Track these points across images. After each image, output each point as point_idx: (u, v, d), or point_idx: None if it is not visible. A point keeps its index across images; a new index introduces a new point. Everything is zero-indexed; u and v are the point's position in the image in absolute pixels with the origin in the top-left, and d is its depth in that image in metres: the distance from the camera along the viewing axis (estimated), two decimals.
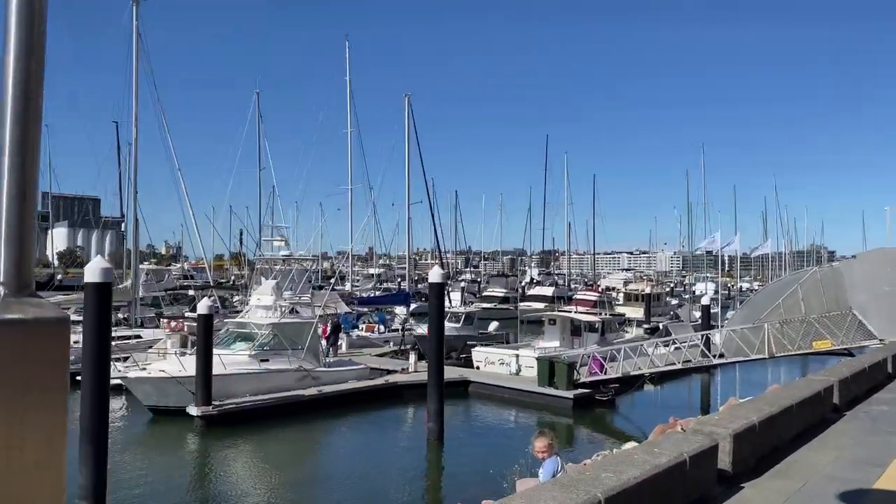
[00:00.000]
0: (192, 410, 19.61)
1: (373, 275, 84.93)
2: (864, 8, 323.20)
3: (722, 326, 24.86)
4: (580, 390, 24.01)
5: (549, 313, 34.10)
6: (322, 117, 60.15)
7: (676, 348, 25.68)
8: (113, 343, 28.01)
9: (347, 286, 53.34)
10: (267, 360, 22.50)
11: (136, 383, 20.61)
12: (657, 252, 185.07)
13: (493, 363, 28.78)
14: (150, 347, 27.27)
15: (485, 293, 69.09)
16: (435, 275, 18.90)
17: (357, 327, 36.77)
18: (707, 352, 21.88)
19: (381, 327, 37.29)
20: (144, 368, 21.06)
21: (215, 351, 22.28)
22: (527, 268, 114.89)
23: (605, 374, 24.24)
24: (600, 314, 36.25)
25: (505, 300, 64.40)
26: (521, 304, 62.61)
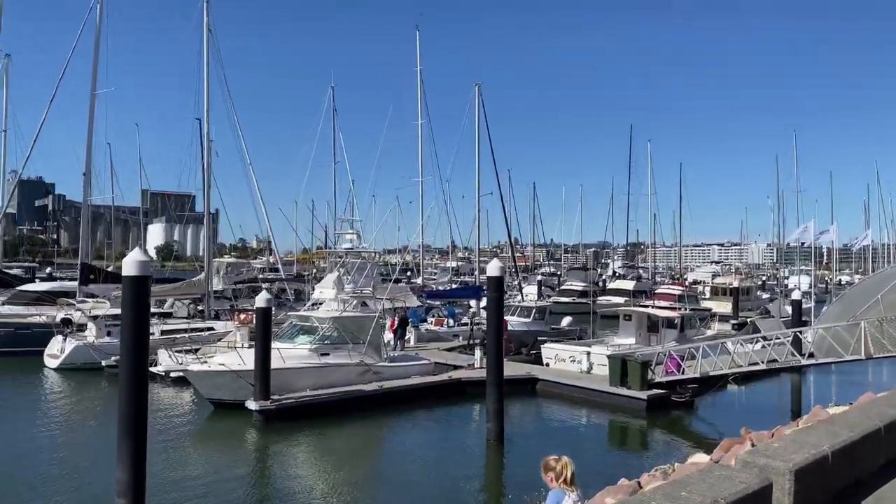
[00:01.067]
0: (251, 405, 19.46)
1: (450, 268, 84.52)
2: None
3: (814, 323, 22.77)
4: (655, 391, 22.57)
5: (623, 308, 32.53)
6: (392, 109, 59.58)
7: (763, 346, 23.79)
8: (185, 335, 28.83)
9: (420, 279, 52.98)
10: (327, 355, 22.18)
11: (197, 376, 20.66)
12: (749, 244, 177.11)
13: (563, 360, 27.61)
14: (220, 340, 27.60)
15: (562, 287, 67.40)
16: (493, 268, 17.97)
17: (426, 321, 36.23)
18: (795, 351, 20.02)
19: (451, 321, 36.60)
20: (205, 361, 21.10)
21: (277, 344, 22.19)
22: (609, 261, 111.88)
23: (683, 373, 22.68)
24: (681, 309, 34.31)
25: (583, 294, 62.48)
26: (601, 298, 60.79)
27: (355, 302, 24.66)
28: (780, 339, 21.47)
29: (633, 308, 32.36)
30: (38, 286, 35.05)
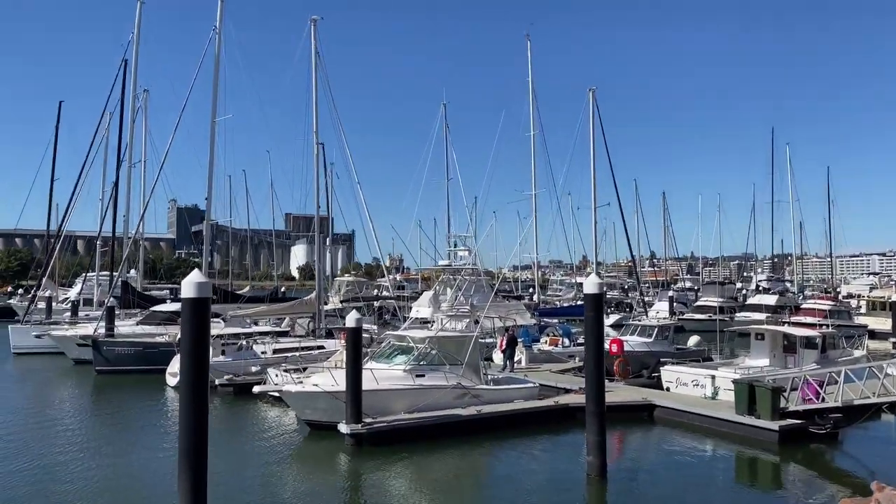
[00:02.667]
0: (343, 428, 18.92)
1: (575, 284, 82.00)
2: None
3: None
4: (789, 421, 19.87)
5: (756, 327, 29.41)
6: (502, 120, 58.54)
7: None
8: (296, 353, 29.10)
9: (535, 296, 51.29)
10: (423, 376, 21.31)
11: (292, 397, 20.44)
12: None
13: (685, 384, 25.22)
14: (327, 359, 27.56)
15: (697, 303, 63.22)
16: (591, 284, 16.37)
17: (538, 340, 34.69)
18: None
19: (566, 340, 34.80)
20: (301, 381, 20.87)
21: (372, 365, 21.67)
22: (752, 274, 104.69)
23: (822, 401, 19.84)
24: (824, 327, 30.63)
25: (720, 311, 58.24)
26: (739, 314, 56.39)
27: (468, 321, 23.73)
28: None
29: (766, 326, 29.19)
30: (169, 306, 36.91)
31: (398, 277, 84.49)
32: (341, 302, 40.05)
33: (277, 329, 32.66)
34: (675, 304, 61.37)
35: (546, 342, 35.29)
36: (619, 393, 24.74)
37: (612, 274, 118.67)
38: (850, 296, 66.68)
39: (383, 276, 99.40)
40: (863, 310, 56.49)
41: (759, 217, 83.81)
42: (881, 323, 50.55)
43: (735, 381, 21.17)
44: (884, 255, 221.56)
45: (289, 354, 28.42)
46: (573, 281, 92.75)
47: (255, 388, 21.00)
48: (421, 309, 23.10)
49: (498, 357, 30.85)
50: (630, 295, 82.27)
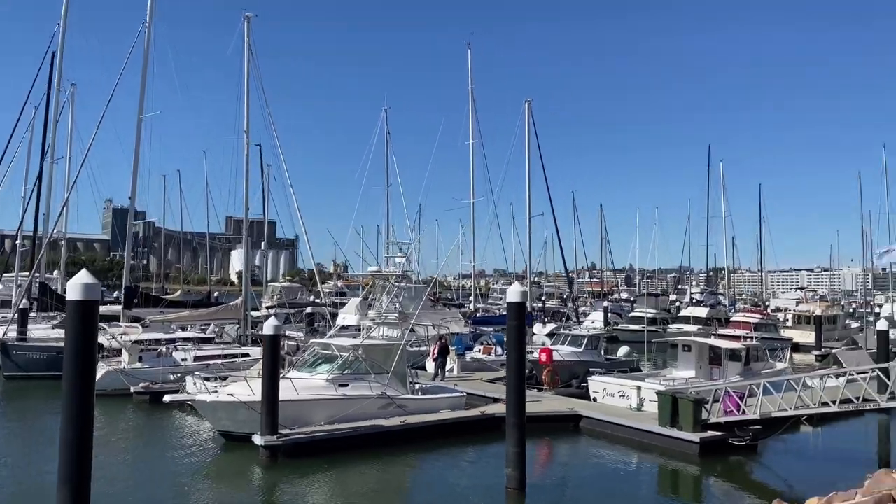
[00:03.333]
0: (257, 440, 18.15)
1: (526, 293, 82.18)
2: None
3: None
4: (710, 433, 19.98)
5: (683, 338, 29.76)
6: (441, 128, 58.49)
7: (850, 381, 20.82)
8: (218, 361, 28.06)
9: (476, 304, 51.13)
10: (346, 385, 20.69)
11: (205, 407, 19.55)
12: (841, 269, 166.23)
13: (612, 395, 25.23)
14: (251, 367, 26.65)
15: (632, 314, 64.15)
16: (513, 293, 16.08)
17: (472, 349, 34.38)
18: (872, 391, 17.18)
19: (499, 349, 34.58)
20: (216, 391, 20.00)
21: (294, 374, 20.98)
22: (687, 286, 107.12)
23: (743, 413, 20.02)
24: (749, 339, 31.22)
25: (653, 322, 59.18)
26: (672, 326, 57.41)
27: (397, 328, 23.18)
28: (853, 375, 18.64)
29: (692, 338, 29.56)
30: None
31: (339, 284, 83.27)
32: (267, 308, 38.97)
33: (200, 335, 31.48)
34: (609, 314, 62.13)
35: (480, 351, 35.03)
36: (546, 403, 24.62)
37: (552, 284, 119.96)
38: (777, 309, 68.70)
39: (324, 282, 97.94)
40: (789, 323, 58.23)
41: (694, 231, 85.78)
42: (806, 336, 52.11)
43: (659, 393, 21.23)
44: (812, 270, 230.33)
45: (210, 362, 27.37)
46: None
47: (166, 398, 20.01)
48: (347, 316, 22.53)
49: (431, 365, 30.43)
50: (568, 305, 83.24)
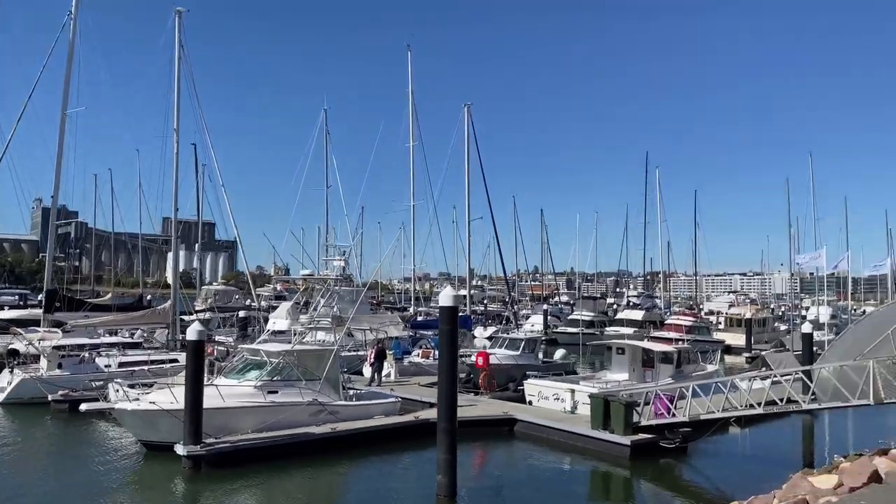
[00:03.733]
0: (179, 450, 17.40)
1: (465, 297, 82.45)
2: None
3: (818, 360, 20.27)
4: (641, 435, 20.15)
5: (616, 341, 30.11)
6: (381, 131, 57.97)
7: (776, 383, 21.28)
8: (145, 367, 26.98)
9: (418, 307, 50.82)
10: (275, 392, 20.10)
11: (126, 415, 18.69)
12: (772, 273, 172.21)
13: (547, 398, 25.27)
14: (178, 374, 25.72)
15: (570, 317, 64.90)
16: (446, 297, 15.86)
17: (410, 353, 34.04)
18: (794, 393, 17.57)
19: (438, 353, 34.32)
20: (137, 398, 19.15)
21: (221, 381, 20.28)
22: (625, 290, 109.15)
23: (673, 415, 20.25)
24: (682, 342, 31.81)
25: (591, 325, 59.98)
26: (609, 329, 58.23)
27: (331, 332, 22.63)
28: (777, 377, 19.07)
29: (626, 341, 29.91)
30: (3, 314, 33.43)
31: (278, 287, 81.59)
32: (195, 312, 37.77)
33: (127, 340, 30.23)
34: (549, 317, 62.68)
35: (418, 355, 34.70)
36: (481, 407, 24.49)
37: (495, 287, 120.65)
38: (711, 312, 70.50)
39: (263, 285, 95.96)
40: (721, 326, 59.82)
41: (631, 236, 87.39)
42: (737, 339, 53.59)
43: (591, 396, 21.34)
44: (744, 274, 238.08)
45: (136, 368, 26.30)
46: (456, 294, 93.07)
47: (83, 406, 19.05)
48: (278, 321, 21.88)
49: (368, 370, 29.96)
50: (508, 308, 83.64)
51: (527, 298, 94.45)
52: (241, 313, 35.76)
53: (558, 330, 58.34)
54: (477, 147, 40.60)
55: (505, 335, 33.74)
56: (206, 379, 21.50)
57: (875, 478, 8.02)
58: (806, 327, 30.86)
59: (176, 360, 28.49)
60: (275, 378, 20.34)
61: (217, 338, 30.83)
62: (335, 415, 20.78)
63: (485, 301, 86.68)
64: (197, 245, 42.88)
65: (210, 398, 18.52)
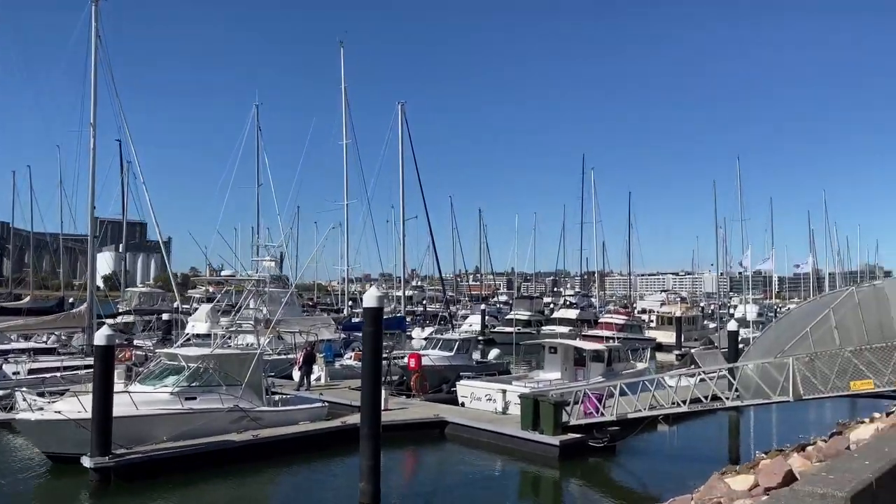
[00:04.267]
0: (86, 462, 16.35)
1: (397, 297, 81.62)
2: None
3: (740, 358, 20.59)
4: (570, 435, 20.04)
5: (549, 340, 30.13)
6: (313, 128, 56.68)
7: (703, 380, 21.50)
8: (57, 374, 25.51)
9: (354, 309, 49.92)
10: (194, 399, 19.18)
11: (28, 426, 17.49)
12: (703, 273, 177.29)
13: (479, 399, 25.01)
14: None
15: (507, 316, 65.12)
16: (370, 297, 15.35)
17: (341, 355, 33.31)
18: (719, 392, 17.74)
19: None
20: (41, 408, 17.94)
21: (137, 387, 19.27)
22: (562, 289, 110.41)
23: (601, 415, 20.22)
24: (612, 340, 32.07)
25: (528, 324, 60.30)
26: (545, 328, 58.63)
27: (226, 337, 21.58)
28: (702, 375, 19.28)
29: (558, 340, 29.96)
30: None
31: (211, 289, 79.02)
32: (118, 315, 36.14)
33: (38, 346, 28.55)
34: (486, 317, 62.73)
35: (351, 357, 33.99)
36: (412, 410, 24.03)
37: (436, 287, 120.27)
38: (644, 311, 71.84)
39: (195, 286, 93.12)
40: (653, 324, 60.97)
41: (569, 237, 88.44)
42: (668, 336, 54.64)
43: (521, 396, 21.15)
44: (676, 274, 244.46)
45: (48, 375, 24.83)
46: (396, 294, 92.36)
47: None
48: (197, 324, 20.91)
49: (296, 374, 29.11)
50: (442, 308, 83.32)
51: (466, 299, 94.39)
52: (165, 316, 34.32)
53: (496, 330, 58.41)
54: (412, 145, 40.13)
55: (439, 336, 33.38)
56: (123, 385, 20.51)
57: (790, 477, 7.90)
58: (731, 325, 31.52)
59: (90, 367, 27.10)
60: (193, 384, 19.42)
61: (136, 342, 29.46)
62: (258, 421, 19.98)
63: (424, 301, 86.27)
64: (121, 246, 41.05)
65: (122, 406, 17.52)
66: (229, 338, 21.48)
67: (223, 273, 23.96)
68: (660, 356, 52.39)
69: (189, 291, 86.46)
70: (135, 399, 18.16)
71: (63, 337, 31.98)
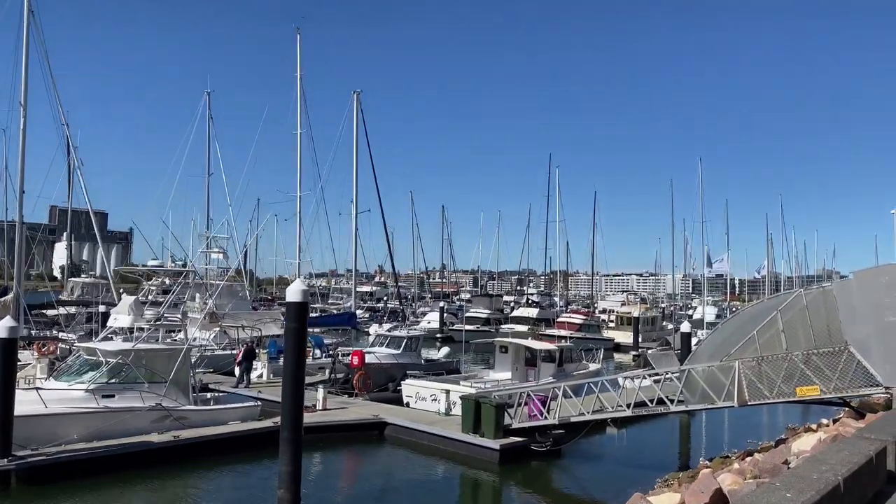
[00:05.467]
0: None
1: (358, 293, 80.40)
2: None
3: (686, 361, 19.96)
4: (512, 439, 19.22)
5: (500, 339, 29.33)
6: (265, 115, 54.99)
7: (656, 381, 20.82)
8: None
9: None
10: (112, 396, 17.94)
11: None
12: (666, 274, 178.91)
13: (424, 399, 24.12)
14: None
15: (466, 314, 64.32)
16: (293, 292, 14.29)
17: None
18: (663, 395, 17.06)
19: (318, 352, 32.60)
20: None
21: (52, 384, 18.00)
22: (525, 287, 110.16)
23: (545, 418, 19.43)
24: (563, 340, 31.41)
25: (487, 322, 59.57)
26: (504, 326, 57.94)
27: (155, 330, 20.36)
28: (647, 377, 18.62)
29: (508, 339, 29.18)
30: None
31: (167, 281, 76.91)
32: (57, 304, 34.29)
33: None
34: (445, 314, 61.89)
35: None
36: (352, 410, 23.03)
37: (403, 284, 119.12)
38: (604, 311, 71.63)
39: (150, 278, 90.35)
40: (612, 324, 60.71)
41: (534, 235, 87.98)
42: (626, 337, 54.38)
43: (462, 398, 20.28)
44: (640, 275, 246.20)
45: None
46: (359, 290, 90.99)
47: None
48: (119, 317, 19.61)
49: (236, 370, 27.91)
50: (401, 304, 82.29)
51: (429, 296, 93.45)
52: (101, 308, 32.78)
53: (453, 327, 57.56)
54: (367, 136, 38.88)
55: (386, 333, 32.37)
56: (42, 381, 19.23)
57: (718, 498, 7.10)
58: (685, 327, 31.07)
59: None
60: (111, 380, 18.17)
61: (60, 334, 27.92)
62: (182, 421, 18.80)
63: (385, 298, 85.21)
64: (65, 234, 39.31)
65: (29, 404, 16.30)
66: (173, 332, 20.16)
67: (149, 263, 22.61)
68: (618, 356, 52.09)
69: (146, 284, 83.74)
70: (45, 396, 16.90)
71: None
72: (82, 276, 56.07)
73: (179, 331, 36.77)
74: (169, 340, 20.50)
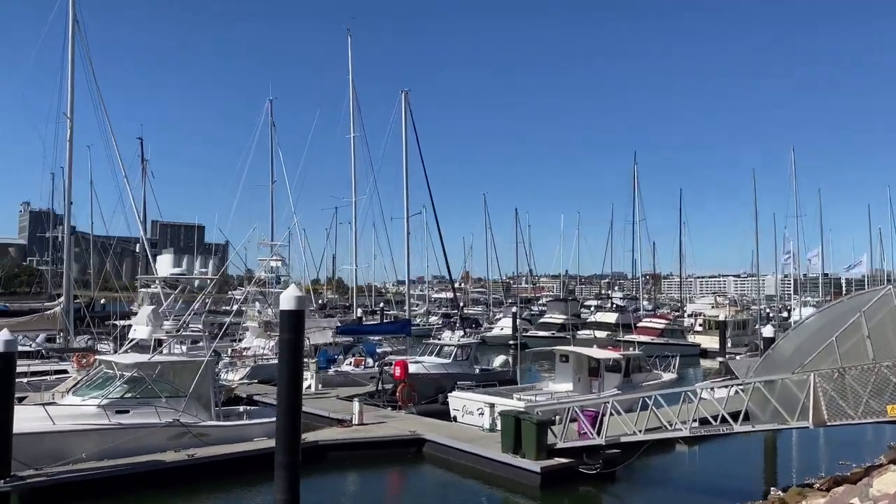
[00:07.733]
0: None
1: (436, 300, 79.47)
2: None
3: (751, 373, 17.16)
4: (557, 460, 17.08)
5: (560, 348, 27.03)
6: (316, 120, 54.35)
7: (737, 392, 18.18)
8: (23, 380, 23.86)
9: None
10: (126, 412, 17.06)
11: None
12: (766, 275, 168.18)
13: (471, 413, 22.26)
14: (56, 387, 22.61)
15: (541, 320, 61.80)
16: (287, 299, 12.83)
17: (335, 360, 30.94)
18: (725, 414, 14.54)
19: (370, 360, 31.30)
20: None
21: (68, 399, 17.32)
22: (611, 292, 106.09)
23: (598, 436, 17.18)
24: (623, 349, 28.76)
25: (563, 328, 56.86)
26: (581, 332, 55.13)
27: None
28: (711, 390, 16.10)
29: (569, 348, 26.87)
30: None
31: (252, 290, 78.06)
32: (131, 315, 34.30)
33: (23, 349, 26.95)
34: (519, 320, 59.65)
35: (351, 363, 31.68)
36: (389, 425, 21.41)
37: (477, 290, 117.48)
38: (693, 314, 67.46)
39: (237, 287, 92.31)
40: (700, 329, 56.79)
41: (617, 237, 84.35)
42: (714, 342, 50.55)
43: (502, 413, 18.30)
44: (738, 276, 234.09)
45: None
46: (438, 296, 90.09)
47: None
48: (139, 328, 18.84)
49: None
50: (490, 311, 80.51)
51: (507, 302, 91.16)
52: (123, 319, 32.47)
53: (528, 333, 55.31)
54: (416, 136, 37.30)
55: (435, 341, 30.69)
56: (61, 396, 18.67)
57: None
58: (767, 330, 27.86)
59: (65, 372, 25.44)
60: (126, 395, 17.30)
61: (98, 346, 27.74)
62: (202, 437, 17.71)
63: (462, 305, 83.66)
64: (138, 245, 39.86)
65: (35, 421, 15.57)
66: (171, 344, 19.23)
67: (171, 272, 21.79)
68: (705, 363, 48.43)
69: (232, 292, 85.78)
70: (55, 412, 16.16)
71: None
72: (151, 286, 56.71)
73: (241, 339, 36.76)
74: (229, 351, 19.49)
